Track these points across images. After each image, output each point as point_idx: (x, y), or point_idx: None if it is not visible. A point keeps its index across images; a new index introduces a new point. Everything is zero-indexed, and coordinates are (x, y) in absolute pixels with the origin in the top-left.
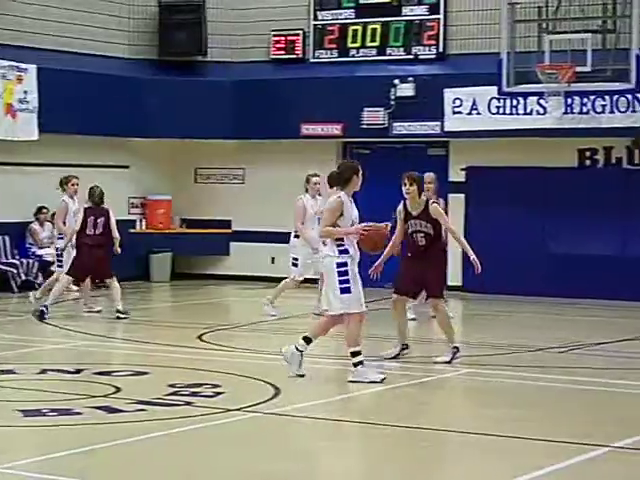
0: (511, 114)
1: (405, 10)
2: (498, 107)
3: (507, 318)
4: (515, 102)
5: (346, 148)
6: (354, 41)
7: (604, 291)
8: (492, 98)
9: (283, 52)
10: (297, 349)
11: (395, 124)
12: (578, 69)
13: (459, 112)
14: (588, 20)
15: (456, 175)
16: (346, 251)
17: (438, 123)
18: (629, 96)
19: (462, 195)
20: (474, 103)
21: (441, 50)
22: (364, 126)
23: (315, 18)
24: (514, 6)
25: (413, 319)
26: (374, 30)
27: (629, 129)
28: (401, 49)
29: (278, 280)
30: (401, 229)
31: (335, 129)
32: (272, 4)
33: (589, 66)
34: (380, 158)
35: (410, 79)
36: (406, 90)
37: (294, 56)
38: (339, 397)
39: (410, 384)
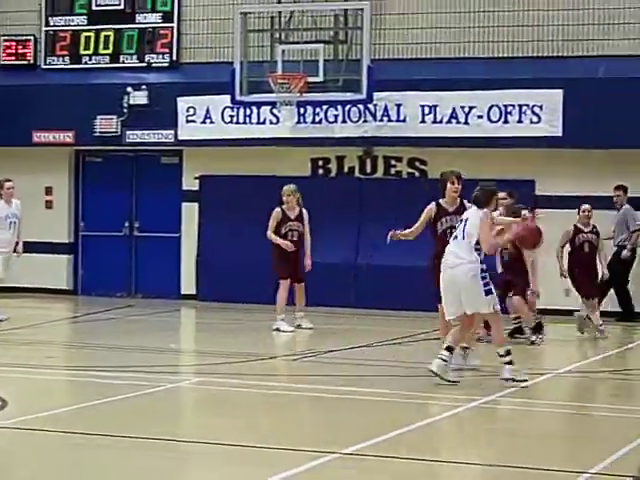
0: (244, 123)
1: (139, 17)
2: (231, 116)
3: (241, 326)
4: (248, 111)
5: (79, 156)
6: (87, 48)
7: (342, 298)
8: (225, 107)
9: (13, 58)
10: (443, 360)
11: (128, 132)
12: (310, 79)
13: (193, 121)
14: (320, 31)
15: (190, 184)
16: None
17: (172, 131)
18: (360, 106)
19: (195, 204)
20: (207, 112)
21: (175, 58)
22: (97, 134)
23: (47, 24)
24: (247, 16)
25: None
26: (107, 37)
27: (361, 139)
28: (134, 57)
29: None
30: (423, 224)
31: (67, 137)
32: (2, 9)
33: (321, 76)
34: (113, 166)
35: (143, 87)
36: (139, 98)
37: (25, 62)
38: (66, 409)
39: (140, 394)
